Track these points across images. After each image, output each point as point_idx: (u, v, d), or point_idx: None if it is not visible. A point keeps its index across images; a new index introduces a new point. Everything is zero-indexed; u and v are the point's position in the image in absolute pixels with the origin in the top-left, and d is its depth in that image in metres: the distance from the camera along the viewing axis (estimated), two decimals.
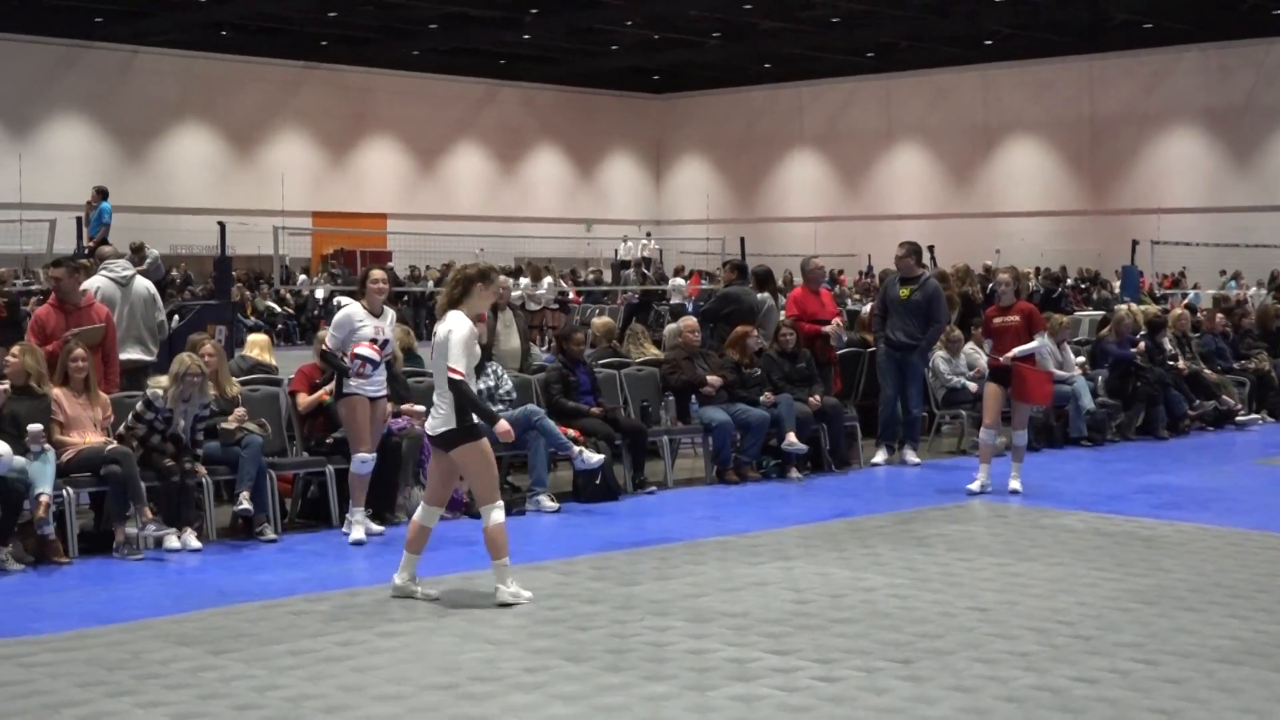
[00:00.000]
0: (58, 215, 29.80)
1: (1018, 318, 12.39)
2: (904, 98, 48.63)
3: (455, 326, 8.67)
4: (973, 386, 14.74)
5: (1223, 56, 41.79)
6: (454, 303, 8.81)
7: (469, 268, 9.12)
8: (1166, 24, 40.19)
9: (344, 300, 11.34)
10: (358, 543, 10.54)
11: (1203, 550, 10.00)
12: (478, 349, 8.90)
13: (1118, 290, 31.60)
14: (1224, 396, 17.34)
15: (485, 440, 8.69)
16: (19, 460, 9.62)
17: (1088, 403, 15.61)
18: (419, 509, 8.88)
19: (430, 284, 35.62)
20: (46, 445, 9.92)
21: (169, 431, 10.44)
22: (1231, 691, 6.64)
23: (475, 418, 8.62)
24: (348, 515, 10.81)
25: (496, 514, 8.62)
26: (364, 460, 10.64)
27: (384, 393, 10.69)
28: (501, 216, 48.55)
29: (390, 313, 11.05)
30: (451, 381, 8.60)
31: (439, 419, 8.61)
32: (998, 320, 12.50)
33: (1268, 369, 18.20)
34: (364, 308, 10.71)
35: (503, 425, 8.86)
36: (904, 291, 14.16)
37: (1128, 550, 9.99)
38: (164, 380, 10.63)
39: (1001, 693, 6.67)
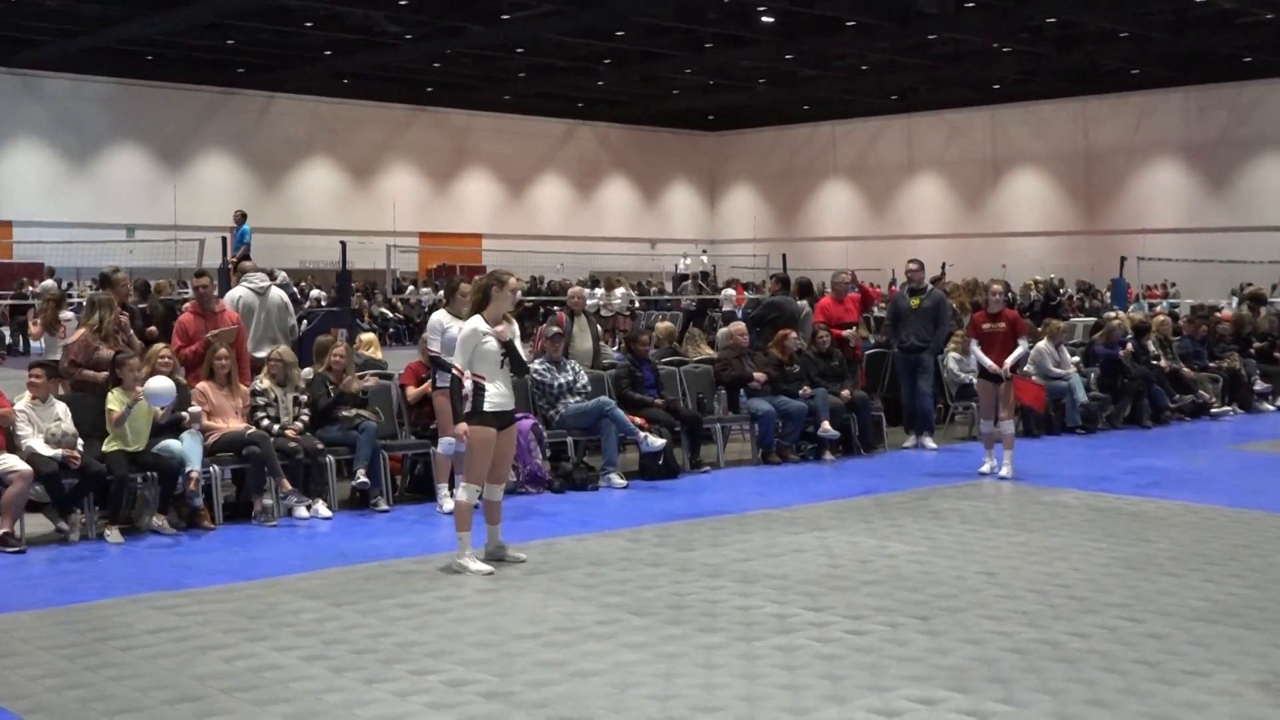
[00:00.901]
0: (206, 235, 30.09)
1: (1004, 324, 12.37)
2: (923, 134, 48.46)
3: (463, 328, 8.63)
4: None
5: (1200, 98, 41.51)
6: (477, 308, 8.68)
7: (485, 277, 8.98)
8: (1151, 70, 39.98)
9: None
10: (448, 513, 10.59)
11: (1182, 524, 9.91)
12: (490, 345, 8.55)
13: (1109, 300, 31.30)
14: (1201, 391, 17.24)
15: (488, 429, 8.50)
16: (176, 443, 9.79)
17: (1081, 396, 15.58)
18: (484, 487, 8.73)
19: (518, 294, 35.55)
20: (198, 427, 10.09)
21: (280, 415, 10.59)
22: (1206, 646, 6.60)
23: (486, 408, 8.46)
24: (439, 489, 10.87)
25: (462, 493, 8.56)
26: (449, 444, 10.68)
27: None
28: (578, 236, 48.66)
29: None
30: (454, 376, 8.57)
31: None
32: (986, 326, 12.46)
33: (1239, 368, 18.07)
34: (450, 314, 10.74)
35: (465, 427, 8.55)
36: (914, 301, 14.28)
37: (1116, 523, 9.91)
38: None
39: (1007, 645, 6.64)
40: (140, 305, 15.41)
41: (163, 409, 9.88)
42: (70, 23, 34.09)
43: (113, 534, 9.62)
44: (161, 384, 9.81)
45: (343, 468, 10.76)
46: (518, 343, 8.72)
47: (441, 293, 17.52)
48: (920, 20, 33.12)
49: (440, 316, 10.88)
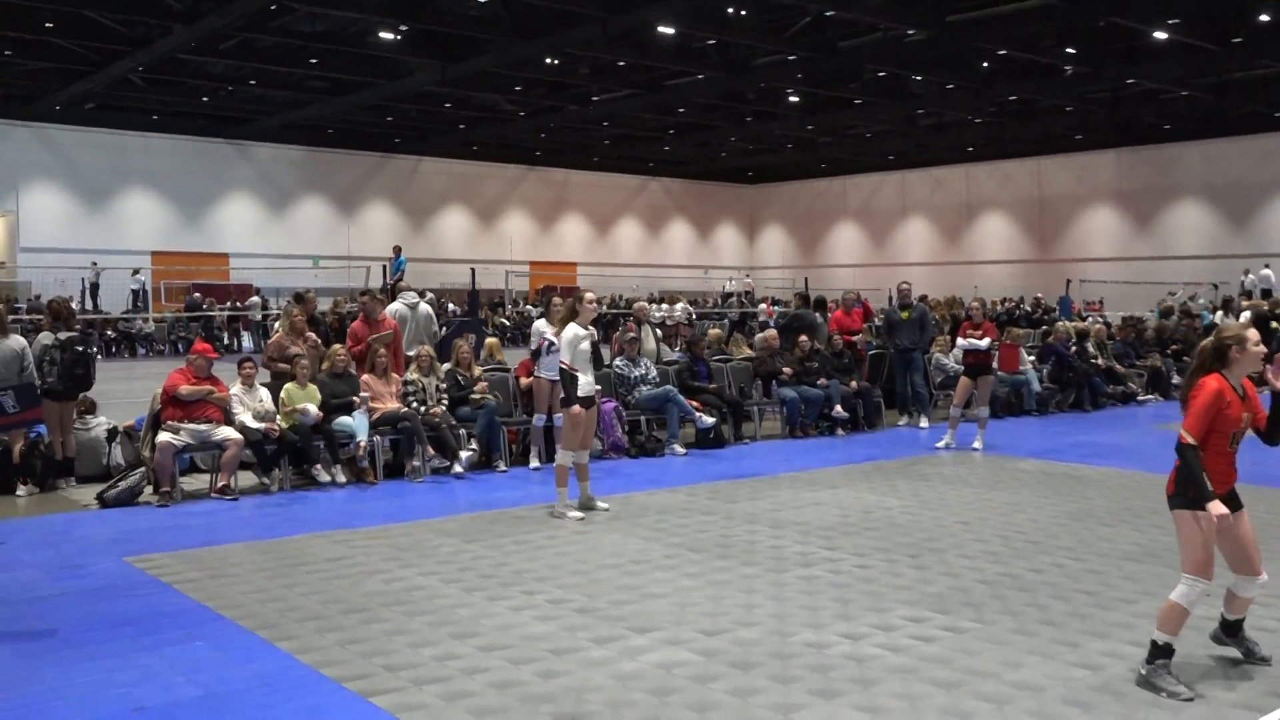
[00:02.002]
0: (371, 264, 30.53)
1: (981, 331, 12.26)
2: (913, 186, 47.93)
3: (566, 333, 8.62)
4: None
5: (1130, 157, 40.80)
6: (570, 318, 8.68)
7: (571, 298, 8.96)
8: (1091, 135, 39.48)
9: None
10: (535, 469, 10.73)
11: (1115, 485, 9.73)
12: (585, 345, 8.54)
13: (1057, 313, 30.84)
14: (1129, 383, 17.00)
15: (577, 408, 8.47)
16: (343, 418, 9.90)
17: (1036, 387, 15.42)
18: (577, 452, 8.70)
19: (604, 307, 35.72)
20: (364, 408, 10.22)
21: (425, 399, 10.69)
22: (1134, 580, 6.50)
23: (579, 393, 8.48)
24: (531, 450, 11.05)
25: (561, 457, 8.56)
26: (540, 418, 10.80)
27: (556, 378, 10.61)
28: (649, 264, 48.63)
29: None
30: (560, 368, 8.61)
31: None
32: (970, 333, 12.34)
33: (1159, 365, 17.84)
34: (547, 322, 10.88)
35: (575, 409, 8.51)
36: (904, 314, 14.14)
37: (1063, 485, 9.76)
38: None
39: (978, 577, 6.57)
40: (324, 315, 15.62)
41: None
42: (271, 106, 34.63)
43: (337, 473, 9.92)
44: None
45: (471, 437, 10.85)
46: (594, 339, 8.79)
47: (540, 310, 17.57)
48: (912, 99, 32.85)
49: (540, 324, 11.03)
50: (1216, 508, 4.60)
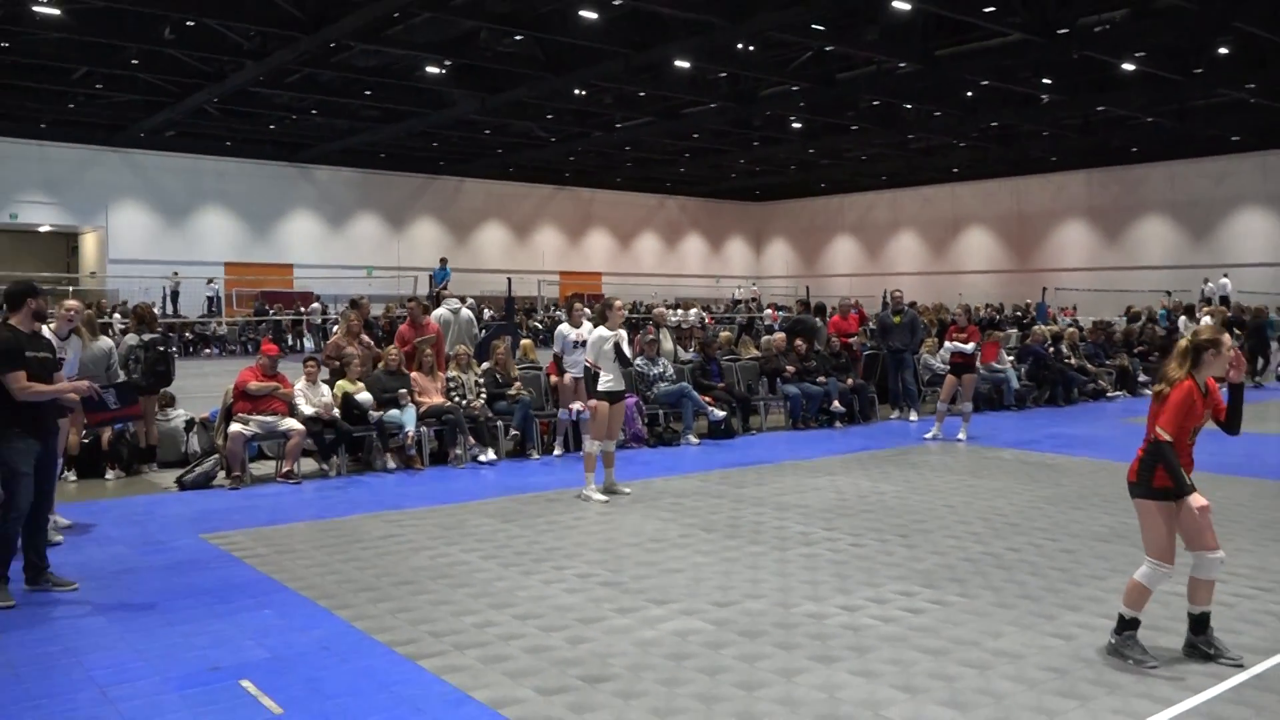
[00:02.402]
0: (418, 274, 30.61)
1: (966, 335, 12.19)
2: (904, 203, 47.60)
3: (593, 335, 8.62)
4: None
5: (1101, 177, 40.41)
6: (599, 322, 8.72)
7: (601, 303, 8.94)
8: (1065, 158, 39.16)
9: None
10: (558, 455, 10.74)
11: (1086, 473, 9.66)
12: (609, 346, 8.53)
13: (1034, 317, 30.60)
14: (1100, 381, 16.85)
15: (604, 403, 8.49)
16: (384, 412, 9.93)
17: (1015, 384, 15.33)
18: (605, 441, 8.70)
19: (626, 312, 35.70)
20: (410, 402, 10.24)
21: (466, 394, 10.70)
22: (1104, 558, 6.45)
23: (601, 389, 8.50)
24: (556, 440, 11.04)
25: (587, 446, 8.57)
26: (565, 412, 10.79)
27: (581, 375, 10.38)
28: (667, 273, 48.54)
29: (586, 324, 10.60)
30: (585, 366, 8.61)
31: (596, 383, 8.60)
32: (956, 336, 12.27)
33: (1126, 365, 17.69)
34: (569, 325, 10.89)
35: (593, 402, 8.51)
36: (896, 318, 14.10)
37: (1040, 472, 9.69)
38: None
39: (962, 555, 6.53)
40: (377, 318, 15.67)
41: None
42: (330, 133, 34.77)
43: (388, 460, 9.91)
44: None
45: (507, 429, 10.87)
46: (624, 345, 8.75)
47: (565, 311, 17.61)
48: (903, 125, 32.64)
49: (563, 328, 11.03)
50: (1197, 500, 4.47)
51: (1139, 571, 4.67)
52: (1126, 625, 4.68)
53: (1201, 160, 37.07)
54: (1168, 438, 4.54)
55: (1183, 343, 4.79)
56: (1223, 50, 24.21)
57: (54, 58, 24.73)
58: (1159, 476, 4.58)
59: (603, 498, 8.39)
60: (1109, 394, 16.82)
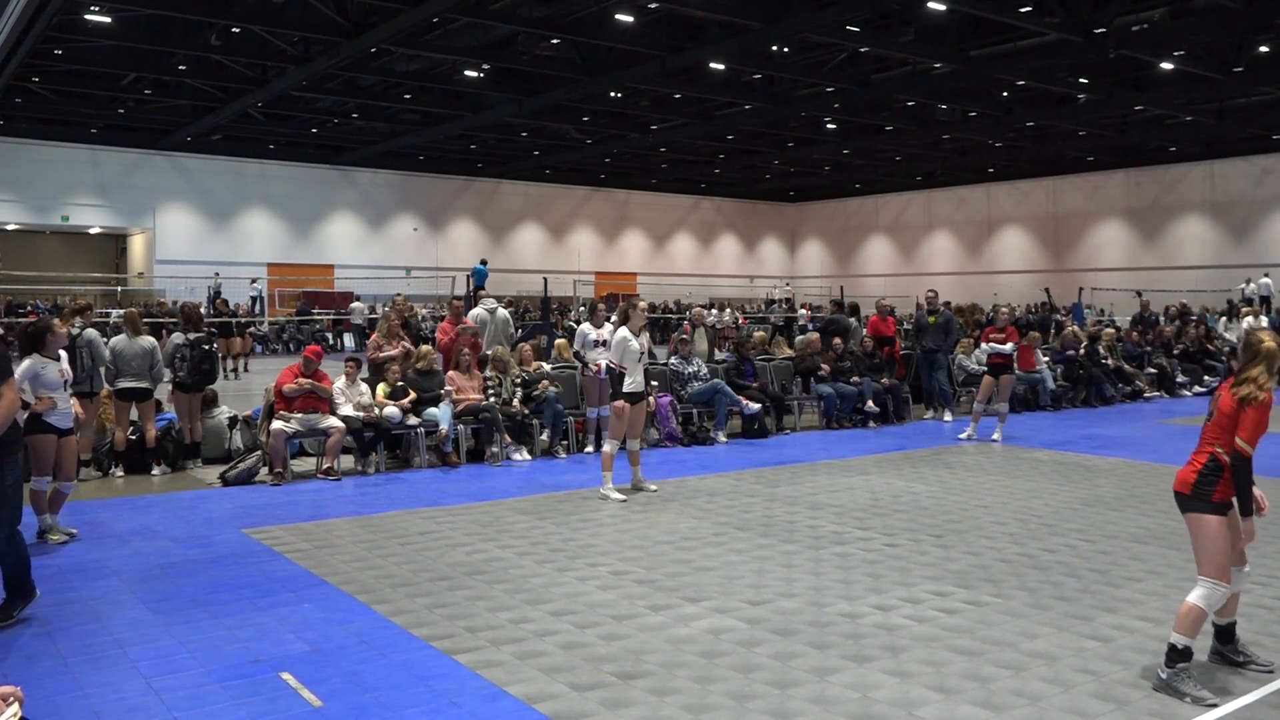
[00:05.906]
0: (456, 274, 30.76)
1: (1005, 335, 12.04)
2: (939, 204, 47.18)
3: (616, 335, 8.55)
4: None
5: (1137, 176, 39.81)
6: (622, 322, 8.63)
7: (623, 303, 8.85)
8: (1102, 157, 38.63)
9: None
10: (589, 452, 10.73)
11: (1122, 474, 9.50)
12: (633, 346, 8.44)
13: (1071, 319, 30.19)
14: (1137, 382, 16.59)
15: (620, 402, 8.40)
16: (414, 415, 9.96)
17: (1050, 384, 15.14)
18: (625, 441, 8.65)
19: (661, 311, 35.76)
20: (448, 401, 10.29)
21: (502, 393, 10.74)
22: (1141, 560, 6.33)
23: (624, 389, 8.42)
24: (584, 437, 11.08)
25: (606, 445, 8.47)
26: (593, 410, 10.79)
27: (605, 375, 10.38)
28: (701, 273, 48.48)
29: (608, 325, 10.63)
30: (609, 367, 8.56)
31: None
32: (994, 335, 12.12)
33: (1165, 366, 17.37)
34: (591, 325, 10.87)
35: (618, 403, 8.41)
36: (931, 319, 13.97)
37: (1075, 473, 9.55)
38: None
39: (997, 556, 6.45)
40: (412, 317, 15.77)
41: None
42: (370, 136, 35.08)
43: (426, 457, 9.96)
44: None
45: (542, 428, 10.90)
46: (647, 342, 8.71)
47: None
48: (937, 125, 32.35)
49: (584, 327, 11.03)
50: (1252, 523, 4.24)
51: (1194, 594, 4.24)
52: (1179, 656, 4.20)
53: (1240, 160, 36.42)
54: (1250, 451, 4.11)
55: (1270, 344, 4.28)
56: (1263, 49, 23.75)
57: (105, 64, 25.19)
58: (1221, 489, 4.20)
59: (620, 497, 8.32)
60: (1146, 395, 16.57)
